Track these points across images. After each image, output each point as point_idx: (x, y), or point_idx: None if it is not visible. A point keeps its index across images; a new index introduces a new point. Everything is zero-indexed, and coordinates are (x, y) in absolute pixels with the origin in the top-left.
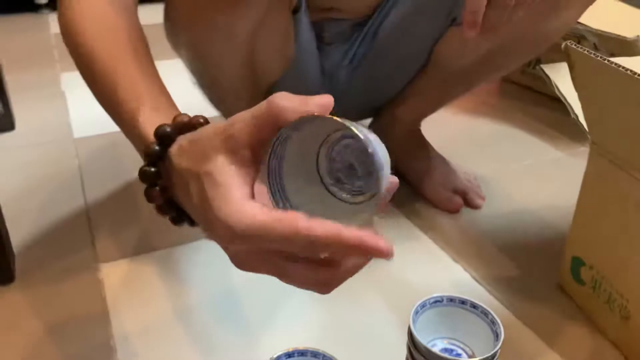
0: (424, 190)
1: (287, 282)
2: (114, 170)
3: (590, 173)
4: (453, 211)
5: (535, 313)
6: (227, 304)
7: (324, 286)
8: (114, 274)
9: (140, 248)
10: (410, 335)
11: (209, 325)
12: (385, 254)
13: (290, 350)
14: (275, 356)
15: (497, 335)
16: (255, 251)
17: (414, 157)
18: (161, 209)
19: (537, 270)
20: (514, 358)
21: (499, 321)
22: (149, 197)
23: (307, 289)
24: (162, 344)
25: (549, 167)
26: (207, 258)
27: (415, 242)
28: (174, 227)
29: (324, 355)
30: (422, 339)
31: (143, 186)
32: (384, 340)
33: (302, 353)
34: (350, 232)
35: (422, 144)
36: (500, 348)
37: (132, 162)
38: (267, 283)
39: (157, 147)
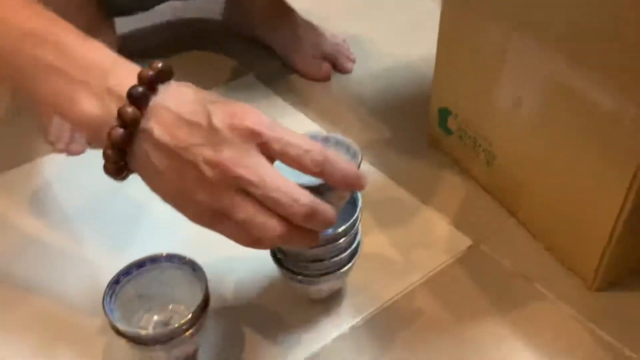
0: (293, 61)
1: (237, 219)
2: None
3: (445, 17)
4: (323, 79)
5: (407, 171)
6: (85, 219)
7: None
8: None
9: None
10: None
11: (69, 243)
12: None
13: (141, 259)
14: (123, 269)
15: (355, 202)
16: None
17: (279, 26)
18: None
19: (409, 127)
20: (390, 219)
21: (357, 149)
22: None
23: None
24: (17, 272)
25: (422, 19)
26: (56, 174)
27: (290, 119)
28: (15, 145)
29: (180, 258)
30: None
31: None
32: None
33: (153, 260)
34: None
35: (286, 11)
36: (360, 214)
37: None
38: (128, 191)
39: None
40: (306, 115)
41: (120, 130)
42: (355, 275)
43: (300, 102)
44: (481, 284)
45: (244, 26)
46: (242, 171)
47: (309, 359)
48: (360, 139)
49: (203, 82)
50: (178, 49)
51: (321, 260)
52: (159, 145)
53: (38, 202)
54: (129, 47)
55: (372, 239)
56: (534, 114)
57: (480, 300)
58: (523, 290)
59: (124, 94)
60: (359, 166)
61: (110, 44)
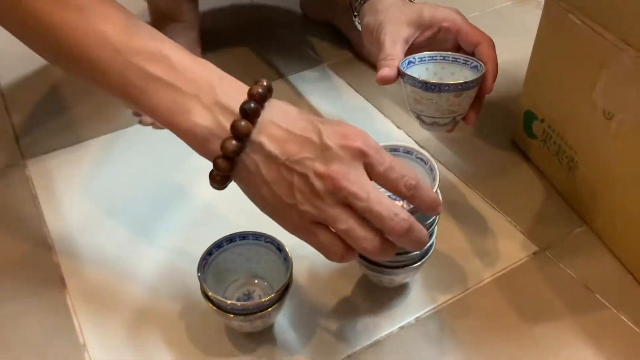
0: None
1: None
2: (26, 55)
3: (544, 23)
4: None
5: (483, 171)
6: (168, 193)
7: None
8: (43, 169)
9: (68, 139)
10: None
11: (148, 213)
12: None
13: (231, 235)
14: (215, 243)
15: (433, 180)
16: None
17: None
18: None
19: (487, 128)
20: (462, 219)
21: (435, 166)
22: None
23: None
24: (100, 235)
25: (494, 17)
26: (140, 146)
27: (362, 111)
28: (101, 115)
29: (266, 237)
30: None
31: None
32: None
33: (242, 237)
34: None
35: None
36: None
37: None
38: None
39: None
40: (379, 109)
41: (234, 142)
42: (425, 270)
43: (373, 94)
44: (544, 290)
45: (321, 12)
46: (350, 184)
47: (373, 344)
48: (433, 135)
49: (276, 69)
50: (253, 34)
51: (397, 254)
52: (270, 158)
53: (117, 173)
54: (205, 26)
55: (443, 238)
56: (624, 127)
57: (542, 305)
58: (585, 299)
59: (234, 108)
60: (436, 186)
61: (192, 22)
